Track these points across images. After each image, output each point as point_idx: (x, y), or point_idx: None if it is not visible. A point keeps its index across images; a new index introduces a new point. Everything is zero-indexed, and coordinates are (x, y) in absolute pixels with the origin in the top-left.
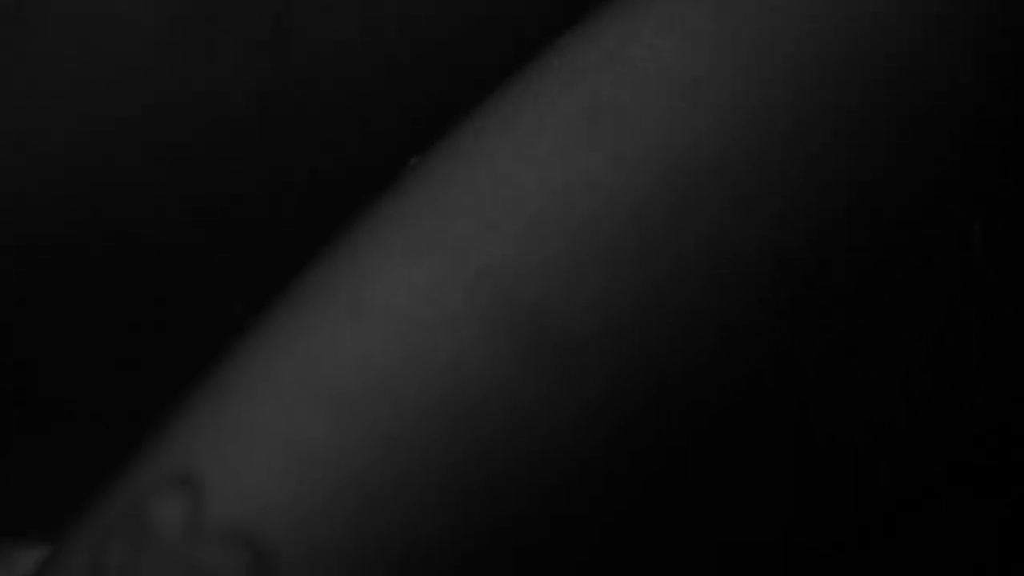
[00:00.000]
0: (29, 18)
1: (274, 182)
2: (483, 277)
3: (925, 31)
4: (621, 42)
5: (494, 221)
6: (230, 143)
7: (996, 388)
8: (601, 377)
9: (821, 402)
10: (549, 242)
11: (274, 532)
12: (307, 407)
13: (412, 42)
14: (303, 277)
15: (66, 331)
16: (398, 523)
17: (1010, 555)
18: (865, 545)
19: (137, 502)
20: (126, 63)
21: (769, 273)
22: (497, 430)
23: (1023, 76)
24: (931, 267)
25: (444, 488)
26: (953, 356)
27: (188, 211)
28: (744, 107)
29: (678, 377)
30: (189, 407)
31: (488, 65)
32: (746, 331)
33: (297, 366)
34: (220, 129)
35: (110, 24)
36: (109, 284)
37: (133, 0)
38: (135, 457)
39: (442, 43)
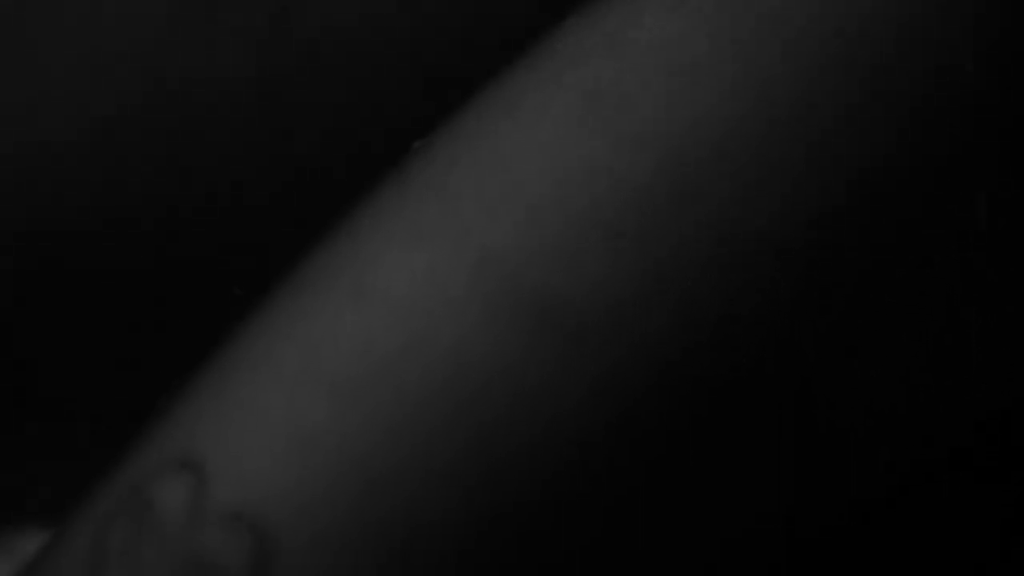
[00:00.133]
0: (29, 5)
1: (275, 167)
2: (485, 261)
3: (926, 16)
4: (623, 26)
5: (496, 205)
6: (230, 128)
7: (997, 373)
8: (602, 362)
9: (822, 388)
10: (551, 226)
11: (276, 516)
12: (309, 391)
13: (413, 27)
14: (305, 261)
15: (67, 317)
16: (400, 508)
17: (1010, 540)
18: (866, 531)
19: (139, 486)
20: (127, 49)
21: (770, 258)
22: (499, 415)
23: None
24: (932, 253)
25: (446, 473)
26: (954, 343)
27: (188, 196)
28: (745, 91)
29: (679, 362)
30: (191, 392)
31: (489, 50)
32: (747, 316)
33: (299, 350)
34: (220, 114)
35: (111, 10)
36: (109, 270)
37: None
38: (137, 441)
39: (443, 28)
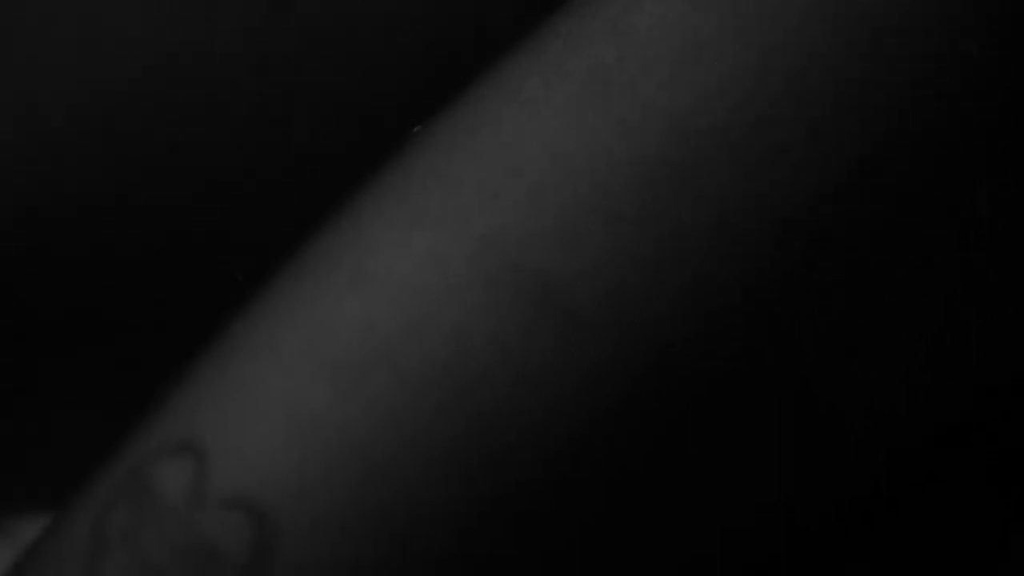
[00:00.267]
0: None
1: (276, 151)
2: (486, 246)
3: None
4: (624, 10)
5: (497, 189)
6: (230, 113)
7: (998, 362)
8: (603, 346)
9: (822, 375)
10: (552, 210)
11: (276, 501)
12: (309, 376)
13: (413, 11)
14: (305, 245)
15: (66, 303)
16: (401, 493)
17: (1010, 540)
18: (866, 531)
19: (139, 470)
20: (125, 33)
21: (771, 242)
22: (500, 399)
23: None
24: (934, 237)
25: (447, 457)
26: (955, 330)
27: (188, 181)
28: (746, 75)
29: (679, 346)
30: (191, 376)
31: (491, 34)
32: (747, 300)
33: (300, 335)
34: (220, 99)
35: None
36: (108, 256)
37: None
38: (137, 426)
39: (443, 12)
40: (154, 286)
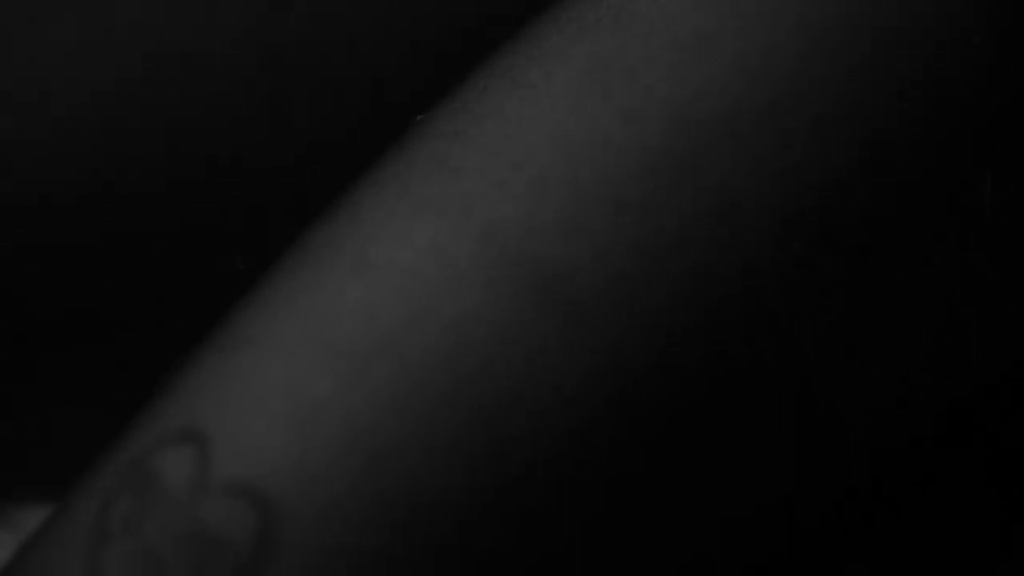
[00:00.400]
0: None
1: (277, 141)
2: (488, 234)
3: None
4: None
5: (500, 177)
6: (232, 103)
7: (997, 361)
8: (604, 335)
9: (822, 373)
10: (554, 199)
11: (279, 489)
12: (312, 364)
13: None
14: (307, 235)
15: (68, 292)
16: (403, 481)
17: (1010, 540)
18: (866, 521)
19: (142, 459)
20: (128, 23)
21: (773, 234)
22: (501, 389)
23: None
24: (936, 232)
25: (449, 447)
26: (955, 329)
27: (190, 171)
28: (749, 64)
29: (679, 337)
30: (194, 365)
31: (493, 23)
32: (748, 292)
33: (302, 323)
34: (222, 89)
35: None
36: (111, 245)
37: None
38: (139, 414)
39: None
40: (154, 283)
